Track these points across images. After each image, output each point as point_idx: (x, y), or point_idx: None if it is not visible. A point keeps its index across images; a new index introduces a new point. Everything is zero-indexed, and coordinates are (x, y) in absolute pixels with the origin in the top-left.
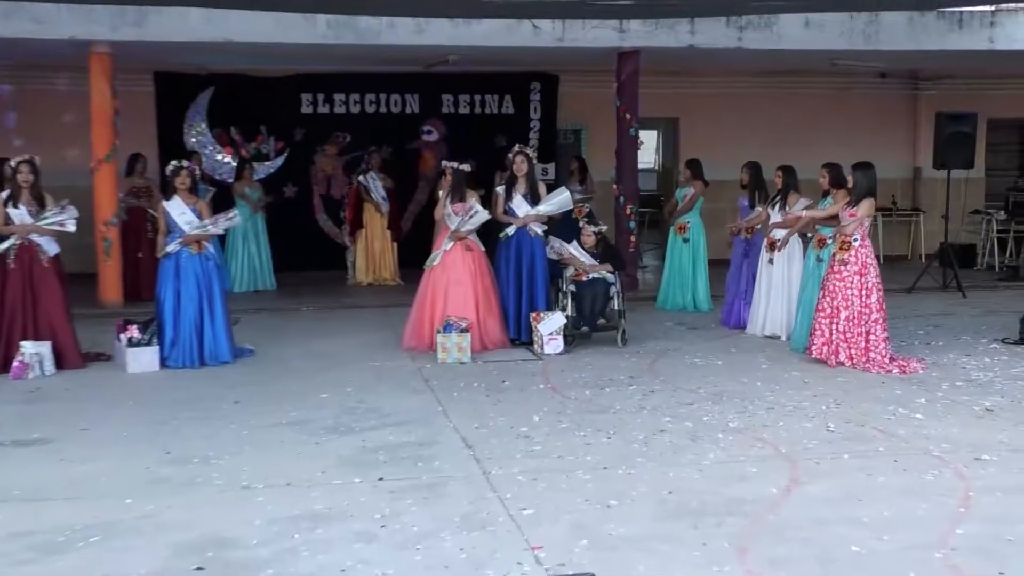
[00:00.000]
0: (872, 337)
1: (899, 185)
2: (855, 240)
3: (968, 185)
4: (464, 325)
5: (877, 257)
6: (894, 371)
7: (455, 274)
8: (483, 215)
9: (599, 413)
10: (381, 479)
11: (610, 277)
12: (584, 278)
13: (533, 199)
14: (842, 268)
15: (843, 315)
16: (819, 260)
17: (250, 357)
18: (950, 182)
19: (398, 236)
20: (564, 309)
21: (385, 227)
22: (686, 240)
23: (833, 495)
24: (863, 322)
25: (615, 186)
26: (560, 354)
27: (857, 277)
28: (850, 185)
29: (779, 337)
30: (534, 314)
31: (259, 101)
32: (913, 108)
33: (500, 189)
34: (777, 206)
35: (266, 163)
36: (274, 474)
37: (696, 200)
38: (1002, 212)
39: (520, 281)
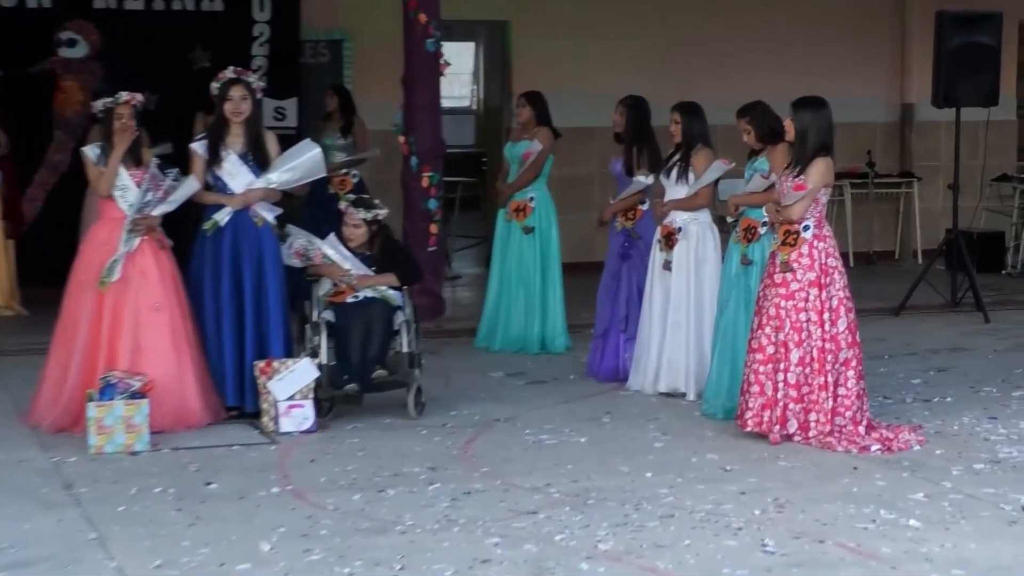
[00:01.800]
0: (841, 391)
1: (879, 135)
2: (805, 229)
3: (991, 133)
4: (137, 386)
5: (844, 256)
6: (874, 447)
7: (147, 294)
8: (189, 186)
9: (376, 534)
10: None
11: (394, 297)
12: (350, 299)
13: (259, 162)
14: (787, 276)
15: (793, 355)
16: (747, 263)
17: None
18: (960, 128)
19: (17, 231)
20: (315, 353)
21: None
22: (528, 230)
23: None
24: (827, 366)
25: (402, 140)
26: (309, 432)
27: (812, 291)
28: (789, 137)
29: (683, 394)
30: (261, 364)
31: None
32: (899, 7)
33: (200, 145)
34: (675, 172)
35: None
36: None
37: (543, 163)
38: None
39: (239, 305)
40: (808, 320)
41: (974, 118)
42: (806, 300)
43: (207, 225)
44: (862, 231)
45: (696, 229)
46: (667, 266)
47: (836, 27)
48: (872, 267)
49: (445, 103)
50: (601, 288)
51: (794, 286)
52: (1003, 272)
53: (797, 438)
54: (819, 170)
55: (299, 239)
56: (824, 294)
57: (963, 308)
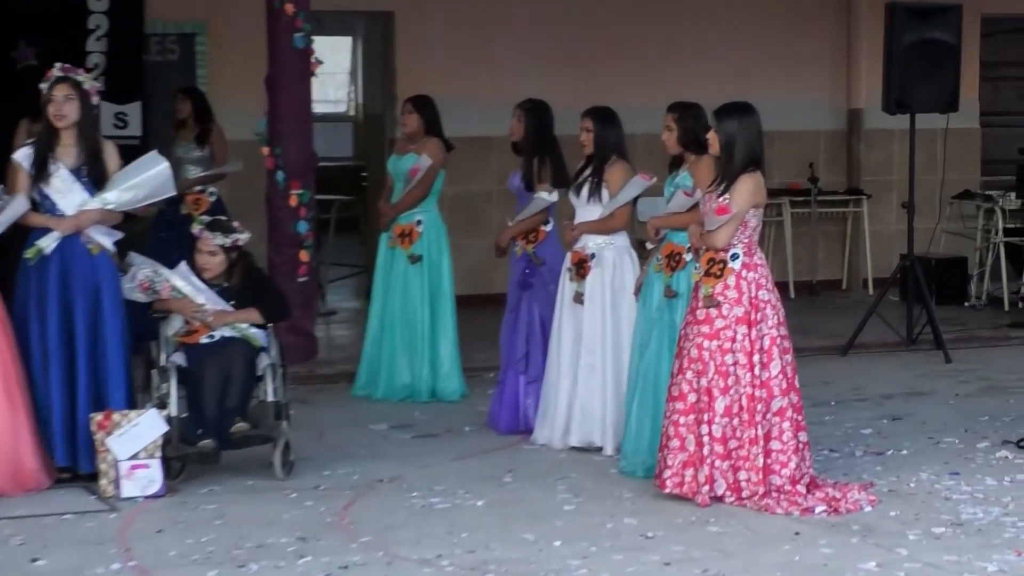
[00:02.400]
0: (777, 445)
1: (822, 145)
2: (733, 258)
3: (951, 143)
4: None
5: (781, 286)
6: (818, 509)
7: None
8: (17, 207)
9: None
10: None
11: (257, 336)
12: (204, 339)
13: (95, 178)
14: (711, 312)
15: (718, 405)
16: (671, 295)
17: None
18: (915, 138)
19: None
20: (163, 404)
21: None
22: (415, 259)
23: None
24: (757, 417)
25: (267, 151)
26: (156, 497)
27: (740, 329)
28: (713, 150)
29: (599, 449)
30: (99, 416)
31: None
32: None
33: (23, 156)
34: (586, 189)
35: None
36: None
37: (433, 179)
38: (1012, 195)
39: (70, 347)
40: (735, 363)
41: (931, 126)
42: (733, 340)
43: (29, 253)
44: (803, 257)
45: (612, 255)
46: (578, 299)
47: (773, 22)
48: (815, 299)
49: (317, 108)
50: (502, 328)
51: (719, 324)
52: (966, 304)
53: (729, 499)
54: (746, 189)
55: (143, 269)
56: (754, 333)
57: (920, 346)
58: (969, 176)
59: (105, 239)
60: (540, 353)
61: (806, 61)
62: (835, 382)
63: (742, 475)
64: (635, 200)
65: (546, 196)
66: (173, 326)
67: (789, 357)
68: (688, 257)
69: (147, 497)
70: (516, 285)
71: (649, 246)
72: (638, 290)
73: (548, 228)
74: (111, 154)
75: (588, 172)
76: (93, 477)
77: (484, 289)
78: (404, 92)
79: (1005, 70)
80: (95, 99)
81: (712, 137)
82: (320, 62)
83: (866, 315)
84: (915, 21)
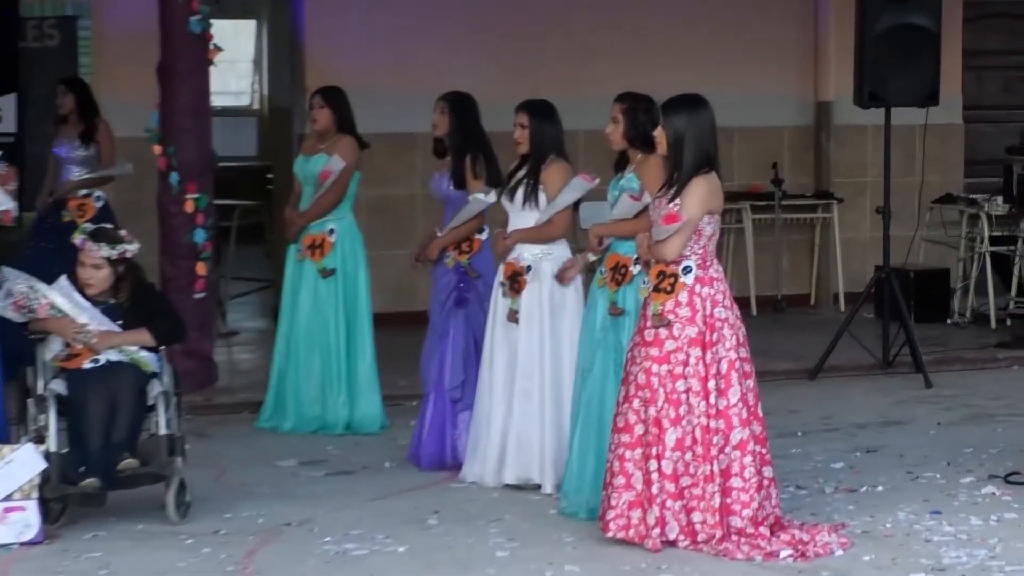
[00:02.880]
0: (737, 482)
1: (787, 143)
2: (685, 271)
3: (931, 140)
4: None
5: (741, 302)
6: (784, 553)
7: None
8: None
9: None
10: None
11: (148, 361)
12: (88, 364)
13: None
14: (660, 333)
15: (668, 437)
16: (616, 313)
17: None
18: (890, 134)
19: None
20: (41, 438)
21: None
22: (327, 273)
23: None
24: (713, 451)
25: (159, 150)
26: (33, 544)
27: (694, 352)
28: (661, 149)
29: (537, 487)
30: None
31: None
32: None
33: None
34: (521, 192)
35: None
36: None
37: (346, 182)
38: (999, 199)
39: None
40: (688, 390)
41: (909, 121)
42: (685, 364)
43: None
44: (766, 269)
45: (550, 268)
46: (513, 317)
47: (731, 4)
48: (780, 316)
49: (216, 101)
50: (426, 347)
51: (670, 346)
52: (948, 322)
53: (683, 543)
54: (699, 193)
55: (18, 285)
56: (709, 355)
57: (898, 369)
58: (951, 178)
59: None
60: (474, 378)
61: (768, 48)
62: (803, 410)
63: (696, 516)
64: (576, 205)
65: (483, 196)
66: (52, 349)
67: (750, 383)
68: (635, 270)
69: (23, 544)
70: (447, 302)
71: (592, 257)
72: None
73: (483, 236)
74: None
75: (523, 173)
76: None
77: (407, 306)
78: (315, 83)
79: (990, 59)
80: None
81: (659, 134)
82: (219, 49)
83: (837, 334)
84: (890, 4)
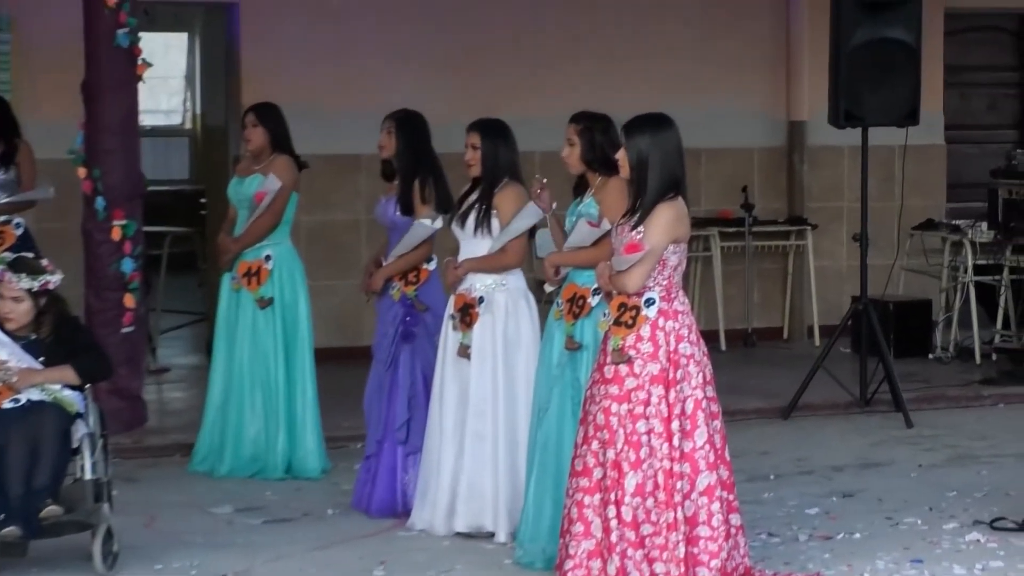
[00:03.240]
0: (704, 531)
1: (758, 165)
2: (648, 303)
3: (911, 162)
4: None
5: (708, 336)
6: None
7: None
8: None
9: None
10: None
11: (72, 400)
12: (7, 403)
13: None
14: (620, 370)
15: (628, 482)
16: (574, 347)
17: None
18: (868, 156)
19: None
20: None
21: None
22: (264, 303)
23: None
24: (677, 497)
25: (83, 173)
26: None
27: (656, 390)
28: (624, 172)
29: (490, 535)
30: None
31: None
32: None
33: None
34: (472, 218)
35: None
36: None
37: (283, 205)
38: (983, 225)
39: None
40: (650, 431)
41: (887, 142)
42: (647, 403)
43: None
44: (736, 301)
45: (504, 299)
46: (464, 352)
47: (697, 17)
48: (751, 351)
49: (146, 120)
50: (370, 384)
51: (631, 383)
52: (930, 357)
53: None
54: (663, 221)
55: None
56: (673, 394)
57: (876, 407)
58: (933, 202)
59: None
60: (423, 419)
61: (737, 63)
62: (775, 452)
63: (659, 567)
64: (532, 232)
65: (428, 223)
66: None
67: (717, 423)
68: (594, 301)
69: None
70: (393, 337)
71: (548, 288)
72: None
73: (431, 266)
74: None
75: (475, 198)
76: None
77: (351, 340)
78: (251, 100)
79: (974, 75)
80: None
81: (622, 157)
82: (149, 64)
83: (811, 370)
84: (866, 16)
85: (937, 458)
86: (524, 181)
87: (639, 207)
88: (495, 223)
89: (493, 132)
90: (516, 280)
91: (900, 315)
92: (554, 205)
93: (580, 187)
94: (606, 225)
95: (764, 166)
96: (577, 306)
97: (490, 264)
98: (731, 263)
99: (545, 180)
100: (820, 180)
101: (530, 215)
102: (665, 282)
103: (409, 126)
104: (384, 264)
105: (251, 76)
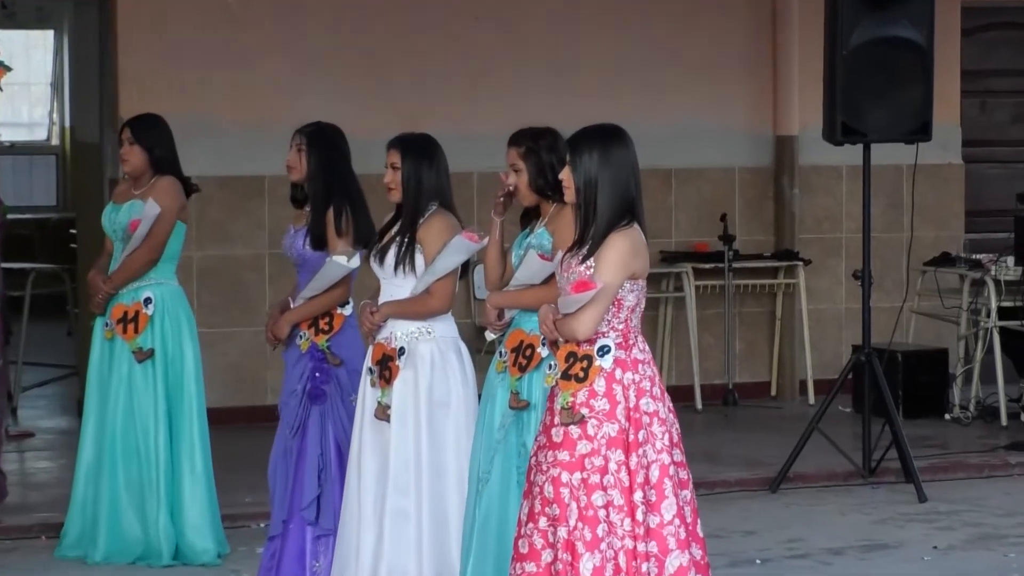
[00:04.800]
0: None
1: (740, 189)
2: (603, 352)
3: (921, 184)
4: None
5: (678, 392)
6: None
7: None
8: None
9: None
10: None
11: None
12: None
13: None
14: (571, 432)
15: (584, 567)
16: (519, 406)
17: None
18: (870, 178)
19: None
20: None
21: None
22: (143, 355)
23: None
24: None
25: None
26: None
27: (614, 456)
28: (568, 195)
29: None
30: None
31: None
32: None
33: None
34: (392, 253)
35: None
36: None
37: (165, 236)
38: (1009, 260)
39: None
40: (608, 504)
41: (894, 160)
42: (604, 471)
43: None
44: (714, 351)
45: (430, 351)
46: (382, 413)
47: (667, 14)
48: (733, 411)
49: (4, 135)
50: (275, 452)
51: (584, 448)
52: (947, 417)
53: None
54: (616, 253)
55: None
56: (635, 460)
57: (882, 478)
58: (949, 233)
59: None
60: (337, 493)
61: (714, 69)
62: (761, 531)
63: None
64: (466, 269)
65: (344, 260)
66: None
67: (687, 493)
68: (546, 352)
69: None
70: (301, 395)
71: (490, 335)
72: None
73: (346, 311)
74: None
75: (396, 229)
76: None
77: (251, 399)
78: (130, 111)
79: (997, 81)
80: None
81: (566, 177)
82: (7, 68)
83: (804, 434)
84: (868, 12)
85: (955, 538)
86: (455, 209)
87: (589, 237)
88: (419, 259)
89: (416, 149)
90: (444, 327)
91: (910, 367)
92: (484, 240)
93: (530, 214)
94: (560, 258)
95: (747, 190)
96: (524, 357)
97: (412, 309)
98: (708, 306)
99: (512, 182)
100: (814, 207)
101: (456, 251)
102: (621, 326)
103: (323, 142)
104: (291, 307)
105: (130, 83)
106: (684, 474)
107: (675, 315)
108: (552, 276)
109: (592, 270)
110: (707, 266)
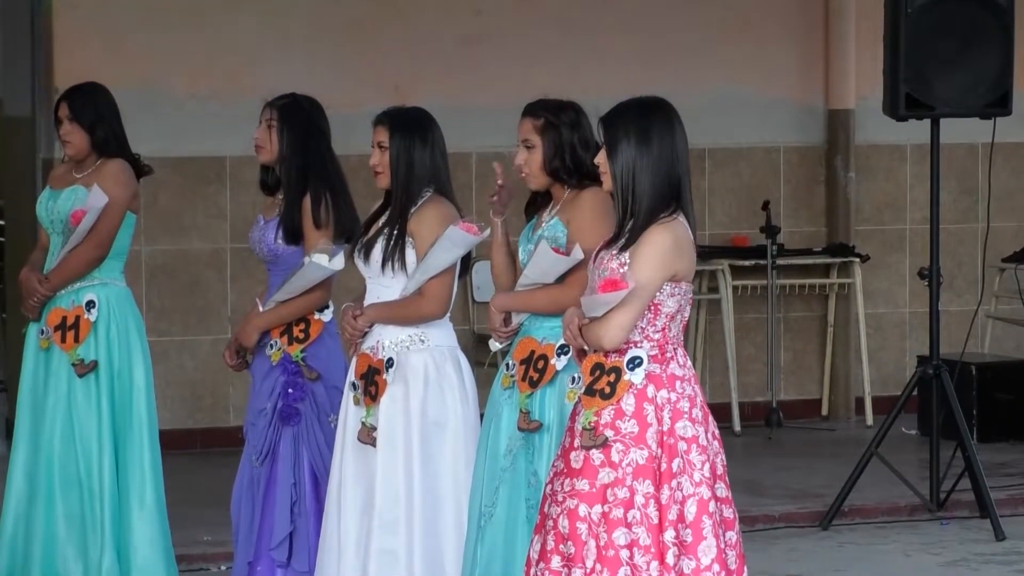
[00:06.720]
0: None
1: (786, 172)
2: (634, 365)
3: (999, 166)
4: None
5: (718, 410)
6: None
7: None
8: None
9: None
10: None
11: None
12: None
13: None
14: (593, 456)
15: None
16: (530, 428)
17: None
18: (939, 157)
19: None
20: None
21: None
22: (84, 368)
23: None
24: None
25: None
26: None
27: (641, 487)
28: (607, 182)
29: None
30: None
31: None
32: None
33: None
34: (379, 247)
35: None
36: None
37: (113, 229)
38: None
39: None
40: (633, 544)
41: (967, 139)
42: (629, 505)
43: None
44: (755, 362)
45: (423, 362)
46: (367, 436)
47: None
48: (777, 434)
49: None
50: (239, 482)
51: (606, 477)
52: None
53: None
54: (656, 249)
55: None
56: (667, 493)
57: (954, 511)
58: None
59: None
60: (313, 531)
61: (757, 30)
62: (812, 574)
63: None
64: (465, 265)
65: (324, 260)
66: None
67: (732, 535)
68: (561, 363)
69: None
70: (272, 414)
71: (494, 345)
72: None
73: (325, 317)
74: None
75: (383, 220)
76: None
77: (210, 420)
78: (68, 82)
79: None
80: None
81: (603, 162)
82: None
83: (861, 460)
84: None
85: None
86: (453, 196)
87: (627, 229)
88: (410, 255)
89: (407, 126)
90: (440, 335)
91: (986, 382)
92: (485, 232)
93: (539, 201)
94: (578, 254)
95: (794, 173)
96: (536, 370)
97: (402, 313)
98: (748, 309)
99: (521, 161)
100: (872, 193)
101: (455, 244)
102: (657, 336)
103: (298, 118)
104: (260, 311)
105: (67, 50)
106: (729, 512)
107: (709, 320)
108: (567, 274)
109: (626, 267)
110: (747, 263)
